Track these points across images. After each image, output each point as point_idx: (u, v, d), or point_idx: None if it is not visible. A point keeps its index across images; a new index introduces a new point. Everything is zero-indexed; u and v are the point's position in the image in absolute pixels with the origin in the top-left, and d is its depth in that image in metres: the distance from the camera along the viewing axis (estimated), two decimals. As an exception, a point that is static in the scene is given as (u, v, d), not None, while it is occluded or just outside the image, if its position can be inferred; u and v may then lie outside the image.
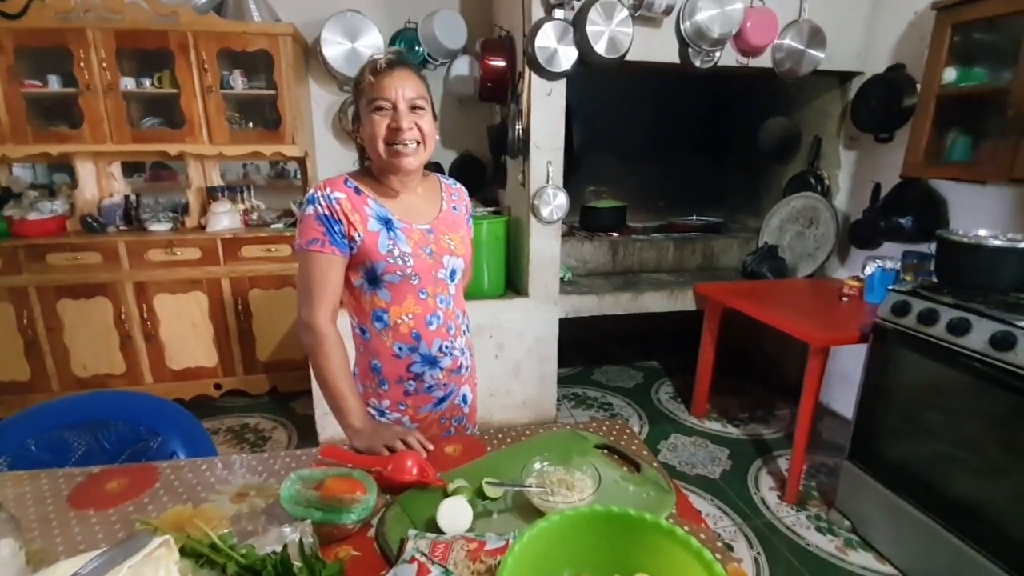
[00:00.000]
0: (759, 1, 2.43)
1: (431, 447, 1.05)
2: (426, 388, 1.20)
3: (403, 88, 1.03)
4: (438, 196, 1.22)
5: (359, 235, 1.07)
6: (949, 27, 2.03)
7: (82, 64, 2.52)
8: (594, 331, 3.43)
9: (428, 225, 1.15)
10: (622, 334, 3.95)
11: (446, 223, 1.18)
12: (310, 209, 1.06)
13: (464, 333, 1.26)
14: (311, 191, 1.08)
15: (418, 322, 1.14)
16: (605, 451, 1.06)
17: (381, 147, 1.05)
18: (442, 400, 1.24)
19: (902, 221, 2.42)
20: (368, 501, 0.83)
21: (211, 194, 2.99)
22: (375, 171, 1.14)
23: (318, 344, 1.09)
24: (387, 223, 1.10)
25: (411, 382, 1.18)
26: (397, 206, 1.13)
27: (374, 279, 1.11)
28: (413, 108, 1.05)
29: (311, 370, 1.12)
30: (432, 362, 1.18)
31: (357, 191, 1.10)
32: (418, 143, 1.07)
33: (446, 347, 1.19)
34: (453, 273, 1.18)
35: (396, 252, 1.09)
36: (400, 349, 1.15)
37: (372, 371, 1.19)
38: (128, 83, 2.64)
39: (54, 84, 2.62)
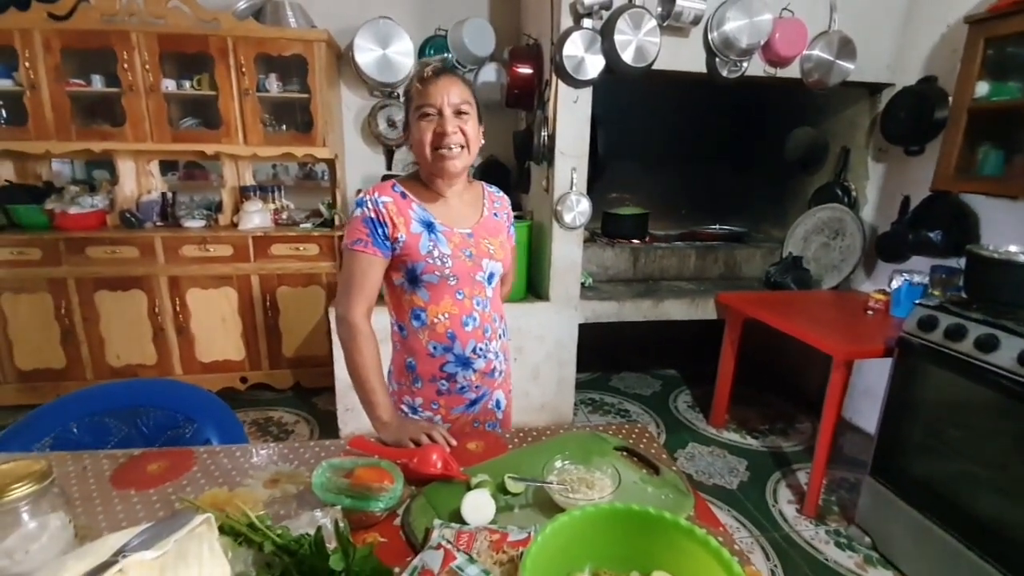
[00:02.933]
0: (788, 12, 2.43)
1: (455, 442, 1.08)
2: (458, 389, 1.23)
3: (448, 94, 1.07)
4: (480, 202, 1.25)
5: (402, 236, 1.12)
6: (982, 41, 2.01)
7: (125, 66, 2.63)
8: (613, 337, 3.44)
9: (469, 229, 1.18)
10: (641, 341, 3.94)
11: (487, 228, 1.22)
12: (358, 212, 1.12)
13: (500, 337, 1.29)
14: (361, 195, 1.14)
15: (454, 322, 1.17)
16: (624, 453, 1.07)
17: (428, 151, 1.10)
18: (474, 402, 1.27)
19: (931, 235, 2.38)
20: (395, 490, 0.86)
21: (243, 193, 3.08)
22: (423, 176, 1.19)
23: (352, 337, 1.14)
24: (429, 226, 1.14)
25: (444, 381, 1.22)
26: (440, 211, 1.17)
27: (414, 279, 1.15)
28: (458, 113, 1.09)
29: (344, 362, 1.17)
30: (465, 363, 1.21)
31: (403, 195, 1.15)
32: (462, 147, 1.11)
33: (480, 349, 1.22)
34: (491, 277, 1.21)
35: (436, 253, 1.13)
36: (435, 348, 1.19)
37: (407, 368, 1.22)
38: (169, 85, 2.74)
39: (97, 84, 2.74)
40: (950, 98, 2.25)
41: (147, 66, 2.65)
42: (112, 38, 2.60)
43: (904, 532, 1.88)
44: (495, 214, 1.26)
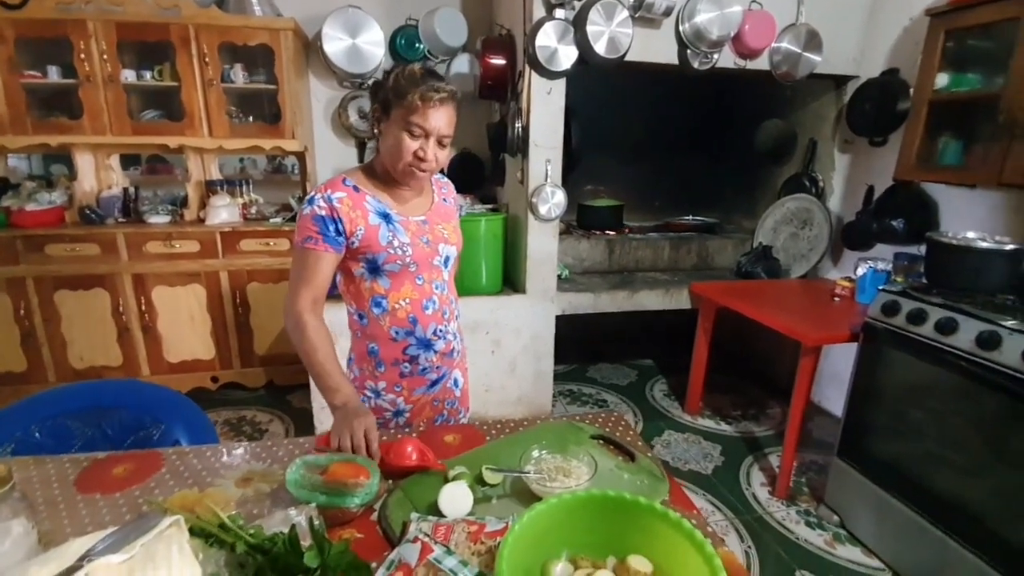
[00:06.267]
0: (757, 4, 2.46)
1: (376, 458, 0.98)
2: (420, 370, 1.26)
3: (442, 124, 1.10)
4: (429, 189, 1.29)
5: (361, 229, 1.13)
6: (942, 33, 2.07)
7: (82, 55, 2.52)
8: (590, 329, 3.47)
9: (423, 216, 1.22)
10: (618, 332, 3.98)
11: (439, 214, 1.26)
12: (308, 209, 1.12)
13: (456, 318, 1.33)
14: (312, 192, 1.14)
15: (415, 307, 1.20)
16: (601, 442, 1.08)
17: (400, 163, 1.11)
18: (435, 383, 1.31)
19: (894, 223, 2.46)
20: (371, 485, 0.85)
21: (210, 187, 3.00)
22: (379, 168, 1.19)
23: (299, 328, 1.13)
24: (386, 217, 1.16)
25: (406, 364, 1.24)
26: (394, 200, 1.20)
27: (375, 268, 1.17)
28: (440, 141, 1.12)
29: (299, 355, 1.15)
30: (427, 345, 1.24)
31: (356, 189, 1.16)
32: (426, 171, 1.14)
33: (440, 330, 1.26)
34: (447, 260, 1.26)
35: (396, 243, 1.15)
36: (397, 333, 1.21)
37: (369, 354, 1.24)
38: (128, 75, 2.64)
39: (54, 75, 2.62)
40: (912, 90, 2.32)
41: (105, 56, 2.54)
42: (68, 27, 2.49)
43: (870, 510, 1.95)
44: (444, 199, 1.31)
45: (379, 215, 1.15)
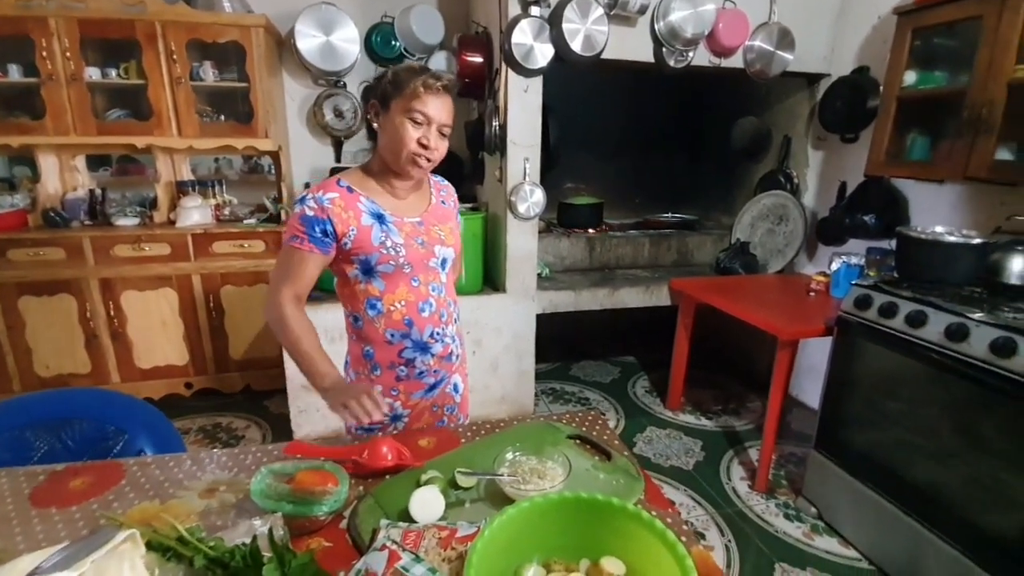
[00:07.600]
0: (731, 3, 2.48)
1: (385, 409, 1.03)
2: (417, 374, 1.24)
3: (443, 113, 1.11)
4: (427, 191, 1.28)
5: (353, 230, 1.12)
6: (910, 31, 2.10)
7: (44, 54, 2.44)
8: (572, 327, 3.47)
9: (419, 218, 1.21)
10: (599, 330, 3.99)
11: (435, 215, 1.24)
12: (298, 209, 1.12)
13: (455, 321, 1.31)
14: (304, 193, 1.13)
15: (410, 309, 1.19)
16: (577, 441, 1.08)
17: (404, 152, 1.10)
18: (433, 387, 1.29)
19: (866, 218, 2.50)
20: (340, 493, 0.83)
21: (180, 188, 2.92)
22: (375, 167, 1.19)
23: (281, 321, 1.13)
24: (379, 218, 1.15)
25: (403, 367, 1.23)
26: (388, 202, 1.18)
27: (368, 270, 1.15)
28: (441, 132, 1.12)
29: (282, 347, 1.15)
30: (423, 348, 1.22)
31: (349, 190, 1.15)
32: (430, 160, 1.14)
33: (437, 333, 1.24)
34: (444, 262, 1.24)
35: (389, 243, 1.14)
36: (392, 335, 1.19)
37: (364, 357, 1.22)
38: (93, 73, 2.56)
39: (14, 74, 2.54)
40: (881, 87, 2.35)
41: (68, 54, 2.46)
42: (29, 24, 2.40)
43: (847, 501, 1.98)
44: (443, 202, 1.29)
45: (372, 216, 1.14)
